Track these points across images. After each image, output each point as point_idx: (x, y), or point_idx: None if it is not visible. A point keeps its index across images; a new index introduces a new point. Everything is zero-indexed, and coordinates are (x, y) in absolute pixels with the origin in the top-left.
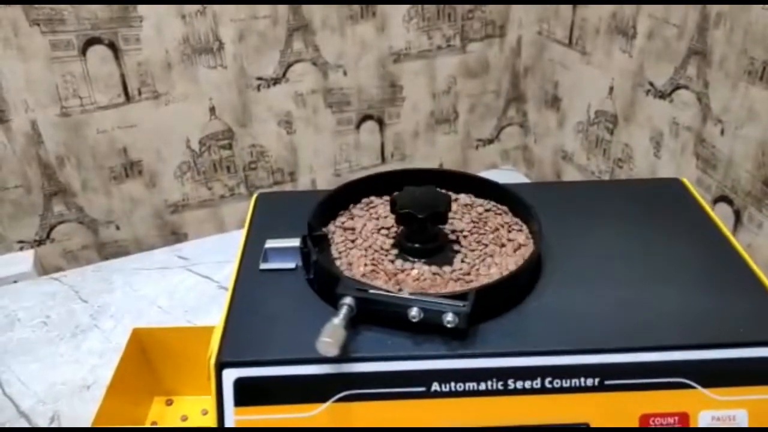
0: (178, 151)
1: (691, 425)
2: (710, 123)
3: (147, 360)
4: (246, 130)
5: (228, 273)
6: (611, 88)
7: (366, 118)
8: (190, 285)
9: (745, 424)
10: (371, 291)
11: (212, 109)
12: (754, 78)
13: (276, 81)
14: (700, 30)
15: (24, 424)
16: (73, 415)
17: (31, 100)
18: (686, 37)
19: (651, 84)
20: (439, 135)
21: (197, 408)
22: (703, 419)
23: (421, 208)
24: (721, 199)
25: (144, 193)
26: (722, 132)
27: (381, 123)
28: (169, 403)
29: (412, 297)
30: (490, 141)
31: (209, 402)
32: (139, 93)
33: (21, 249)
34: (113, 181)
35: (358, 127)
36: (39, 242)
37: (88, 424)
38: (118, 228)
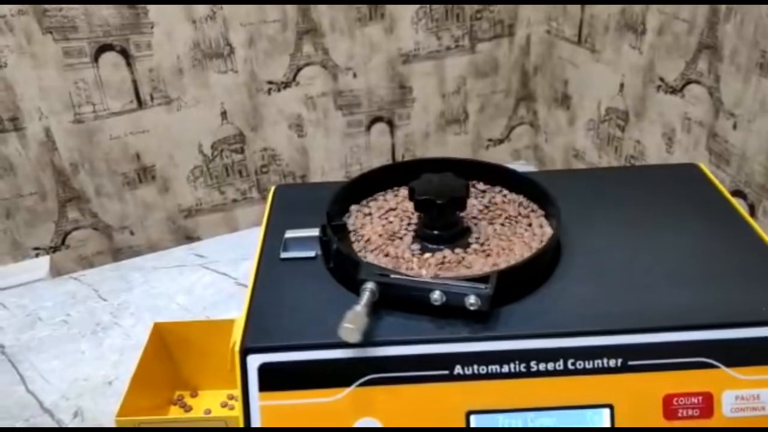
0: (191, 155)
1: (715, 405)
2: (722, 117)
3: (168, 354)
4: (257, 134)
5: (245, 270)
6: (622, 85)
7: (376, 119)
8: (208, 282)
9: None
10: (393, 276)
11: (224, 114)
12: (766, 71)
13: (286, 84)
14: (710, 24)
15: (48, 420)
16: (97, 410)
17: (44, 107)
18: (696, 32)
19: (662, 80)
20: (449, 135)
21: (219, 401)
22: (727, 398)
23: (440, 194)
24: (736, 193)
25: (157, 198)
26: (735, 126)
27: (391, 124)
28: (193, 395)
29: (434, 281)
30: (501, 141)
31: (229, 395)
32: (151, 99)
33: (37, 256)
34: (127, 186)
35: (368, 128)
36: (54, 249)
37: (111, 419)
38: (132, 233)
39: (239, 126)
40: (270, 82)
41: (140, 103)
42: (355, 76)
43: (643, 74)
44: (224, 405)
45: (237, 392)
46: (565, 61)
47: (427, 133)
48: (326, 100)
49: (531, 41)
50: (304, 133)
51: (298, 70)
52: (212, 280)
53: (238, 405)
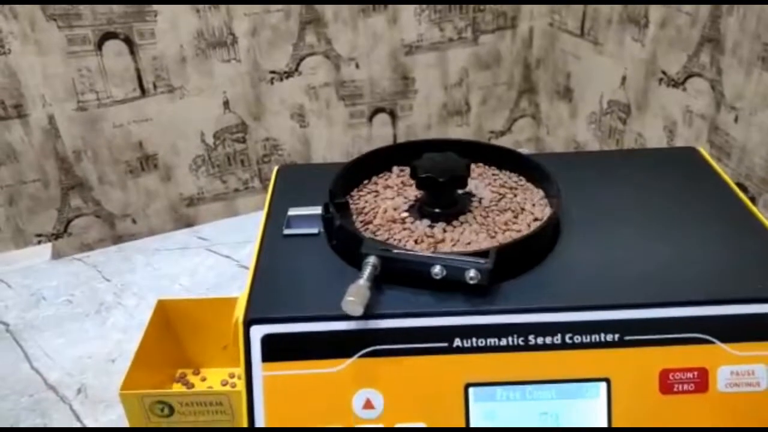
0: (193, 144)
1: (710, 380)
2: (724, 110)
3: (172, 331)
4: (259, 124)
5: (247, 253)
6: (624, 78)
7: (378, 110)
8: (211, 264)
9: (764, 379)
10: (395, 251)
11: (226, 103)
12: None
13: (289, 74)
14: (713, 17)
15: (52, 396)
16: (100, 386)
17: (48, 95)
18: (699, 25)
19: (664, 73)
20: (451, 127)
21: (221, 379)
22: (722, 374)
23: (441, 172)
24: (736, 186)
25: (159, 187)
26: (736, 119)
27: (393, 116)
28: (195, 373)
29: (435, 255)
30: (503, 133)
31: (230, 373)
32: (155, 87)
33: (39, 243)
34: (129, 174)
35: (370, 119)
36: (56, 236)
37: (114, 396)
38: (134, 221)
39: (241, 115)
40: (273, 72)
41: (143, 92)
42: (357, 66)
43: (645, 67)
44: (225, 383)
45: (238, 370)
46: (568, 53)
47: (429, 125)
48: (329, 90)
49: (534, 34)
50: (306, 123)
51: (301, 60)
52: (215, 262)
53: (240, 383)
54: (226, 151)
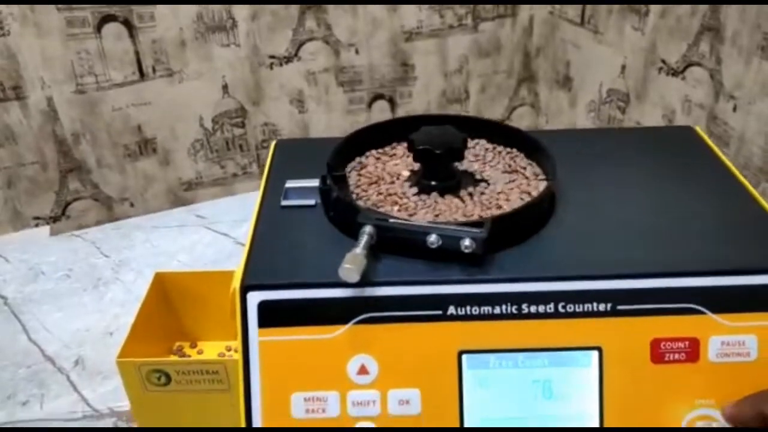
0: (192, 129)
1: (701, 350)
2: (723, 100)
3: (169, 304)
4: (258, 109)
5: (245, 231)
6: (623, 67)
7: (377, 97)
8: (209, 241)
9: (754, 350)
10: (391, 220)
11: (225, 87)
12: (767, 53)
13: (288, 59)
14: (713, 7)
15: (49, 368)
16: (97, 358)
17: (47, 77)
18: (699, 14)
19: (663, 62)
20: None
21: (217, 352)
22: (713, 344)
23: (438, 145)
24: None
25: (158, 171)
26: (735, 108)
27: (392, 102)
28: (192, 346)
29: (431, 224)
30: (502, 121)
31: (227, 346)
32: (153, 71)
33: (37, 225)
34: (128, 158)
35: (369, 106)
36: (54, 218)
37: (111, 367)
38: (132, 205)
39: (240, 100)
40: (272, 57)
41: (142, 75)
42: (357, 52)
43: (644, 56)
44: (222, 356)
45: (235, 343)
46: (568, 42)
47: (428, 112)
48: (328, 76)
49: (534, 22)
50: (305, 109)
51: (301, 45)
52: (213, 239)
53: (237, 355)
54: (225, 135)
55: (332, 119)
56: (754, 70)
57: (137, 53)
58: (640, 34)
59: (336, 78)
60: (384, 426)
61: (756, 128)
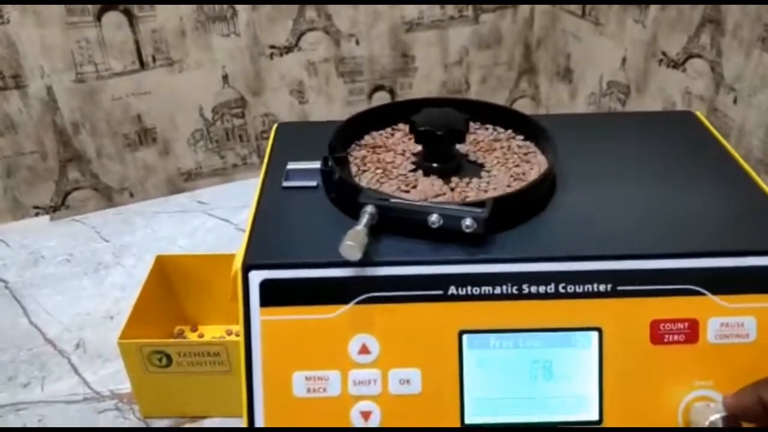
0: (192, 119)
1: (700, 331)
2: (723, 92)
3: (170, 288)
4: (258, 99)
5: (246, 217)
6: (624, 59)
7: (378, 88)
8: (210, 227)
9: (753, 331)
10: (392, 200)
11: (225, 77)
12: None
13: (288, 49)
14: None
15: (50, 351)
16: (98, 341)
17: (47, 66)
18: (700, 6)
19: (664, 54)
20: None
21: (218, 336)
22: (712, 325)
23: (440, 126)
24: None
25: (157, 161)
26: (735, 100)
27: (393, 93)
28: (193, 330)
29: (432, 204)
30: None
31: (228, 330)
32: (153, 60)
33: (37, 215)
34: (127, 148)
35: (369, 96)
36: (54, 208)
37: (112, 350)
38: (131, 195)
39: (240, 90)
40: (272, 47)
41: (142, 65)
42: (357, 43)
43: (645, 48)
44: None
45: (236, 327)
46: (569, 34)
47: None
48: (328, 66)
49: (535, 13)
50: (305, 100)
51: (301, 35)
52: (214, 225)
53: (238, 338)
54: (225, 126)
55: (332, 110)
56: (755, 62)
57: (137, 42)
58: (640, 26)
59: (336, 68)
60: (385, 405)
61: (756, 120)
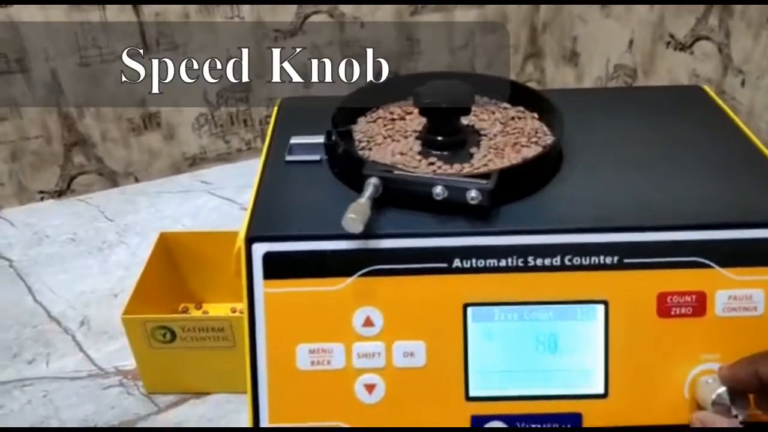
0: (196, 103)
1: (708, 304)
2: (731, 74)
3: (174, 265)
4: (263, 83)
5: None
6: (631, 42)
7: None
8: (214, 206)
9: (761, 304)
10: (396, 172)
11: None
12: None
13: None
14: None
15: (55, 328)
16: (103, 319)
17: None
18: None
19: (672, 36)
20: None
21: (223, 314)
22: (720, 298)
23: (445, 99)
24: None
25: (162, 145)
26: (743, 83)
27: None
28: (198, 308)
29: (437, 176)
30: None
31: (232, 308)
32: (157, 44)
33: (42, 199)
34: (132, 132)
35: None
36: (59, 192)
37: (116, 328)
38: (137, 179)
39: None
40: (277, 31)
41: (146, 48)
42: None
43: (653, 30)
44: None
45: (240, 305)
46: (575, 16)
47: None
48: (333, 49)
49: None
50: (309, 84)
51: (305, 18)
52: (217, 204)
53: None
54: (229, 110)
55: (336, 94)
56: (763, 45)
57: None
58: (648, 8)
59: (341, 52)
60: (389, 377)
61: (764, 103)
